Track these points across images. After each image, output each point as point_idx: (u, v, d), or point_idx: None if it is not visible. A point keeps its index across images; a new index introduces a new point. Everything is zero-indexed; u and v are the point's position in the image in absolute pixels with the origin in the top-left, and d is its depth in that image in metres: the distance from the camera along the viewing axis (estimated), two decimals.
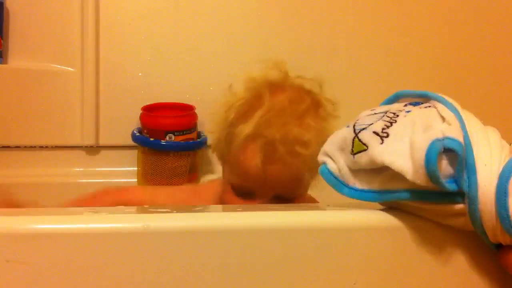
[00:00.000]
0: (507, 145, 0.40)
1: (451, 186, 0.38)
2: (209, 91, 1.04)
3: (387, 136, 0.41)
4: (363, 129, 0.43)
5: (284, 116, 0.61)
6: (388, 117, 0.43)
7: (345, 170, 0.44)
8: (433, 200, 0.40)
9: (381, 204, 0.45)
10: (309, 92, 0.66)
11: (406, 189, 0.40)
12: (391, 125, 0.42)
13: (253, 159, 0.60)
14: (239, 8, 1.06)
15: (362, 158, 0.42)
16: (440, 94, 0.44)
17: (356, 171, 0.43)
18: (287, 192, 0.63)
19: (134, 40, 1.04)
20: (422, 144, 0.37)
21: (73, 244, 0.40)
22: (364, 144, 0.42)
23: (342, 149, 0.44)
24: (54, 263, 0.39)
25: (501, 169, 0.37)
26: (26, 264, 0.39)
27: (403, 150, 0.39)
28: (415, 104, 0.45)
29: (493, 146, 0.39)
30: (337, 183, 0.44)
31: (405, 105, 0.45)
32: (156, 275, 0.40)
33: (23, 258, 0.39)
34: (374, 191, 0.42)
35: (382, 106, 0.47)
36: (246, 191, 0.63)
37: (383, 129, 0.42)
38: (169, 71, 1.05)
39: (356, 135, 0.43)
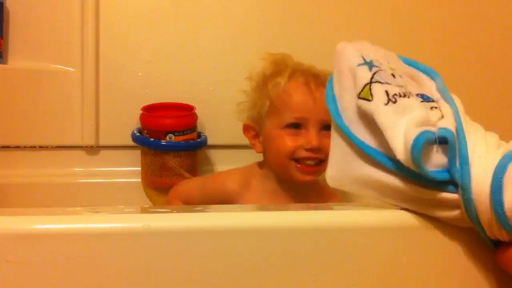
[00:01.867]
0: (506, 144, 0.40)
1: (441, 175, 0.39)
2: (209, 91, 1.04)
3: (395, 102, 0.41)
4: (379, 82, 0.43)
5: (307, 70, 0.77)
6: (404, 90, 0.43)
7: (351, 110, 0.44)
8: (424, 182, 0.40)
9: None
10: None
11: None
12: (404, 97, 0.42)
13: (299, 89, 0.74)
14: (239, 8, 1.06)
15: (363, 106, 0.42)
16: (450, 94, 0.45)
17: (361, 116, 0.43)
18: None
19: (134, 40, 1.03)
20: (416, 130, 0.38)
21: (73, 244, 0.40)
22: (371, 95, 0.42)
23: (354, 83, 0.45)
24: (54, 263, 0.39)
25: (496, 163, 0.38)
26: (26, 264, 0.39)
27: (400, 125, 0.40)
28: (427, 99, 0.45)
29: (489, 142, 0.39)
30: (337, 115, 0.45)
31: (417, 95, 0.45)
32: (156, 275, 0.40)
33: (23, 258, 0.39)
34: (371, 148, 0.42)
35: (401, 65, 0.48)
36: (299, 122, 0.73)
37: (394, 94, 0.42)
38: (169, 71, 1.04)
39: (371, 82, 0.43)
